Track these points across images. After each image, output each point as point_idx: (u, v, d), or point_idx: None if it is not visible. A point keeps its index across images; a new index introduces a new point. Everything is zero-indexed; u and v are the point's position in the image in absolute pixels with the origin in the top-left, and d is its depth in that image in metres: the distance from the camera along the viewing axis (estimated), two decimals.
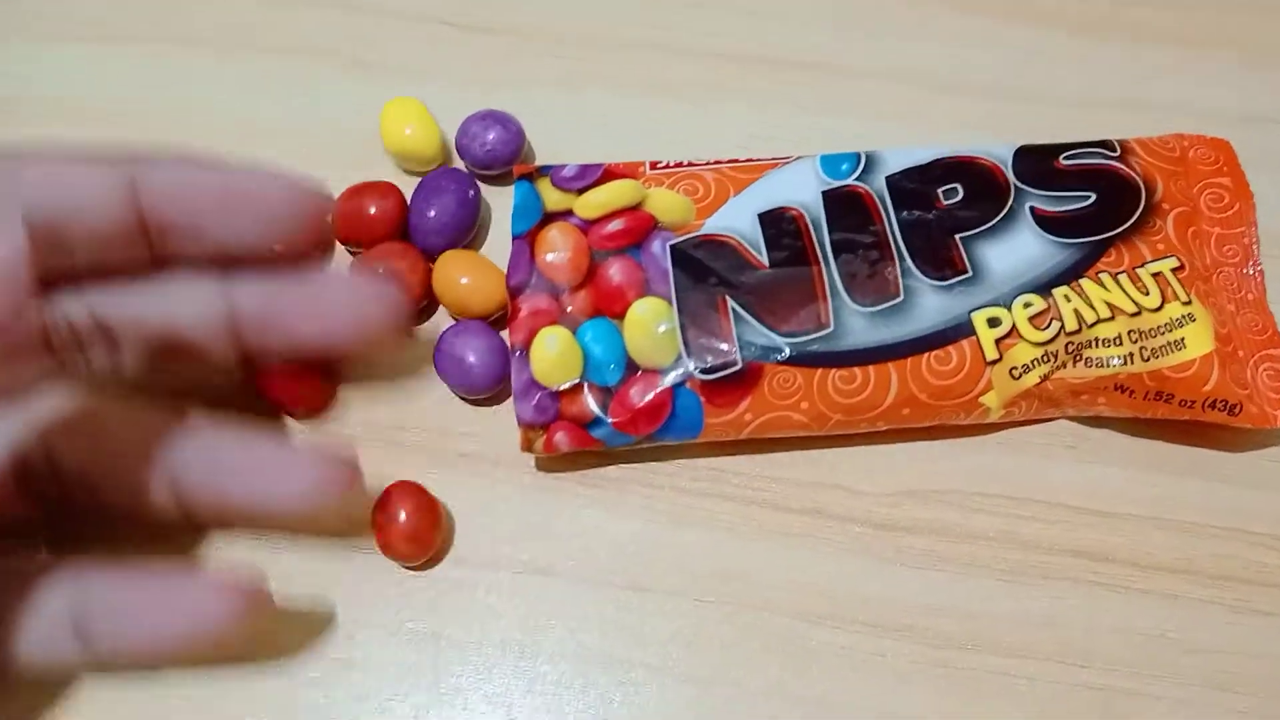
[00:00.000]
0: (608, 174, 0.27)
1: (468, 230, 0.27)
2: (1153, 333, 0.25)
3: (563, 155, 0.28)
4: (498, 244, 0.28)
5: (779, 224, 0.26)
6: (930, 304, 0.25)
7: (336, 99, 0.30)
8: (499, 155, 0.28)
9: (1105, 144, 0.27)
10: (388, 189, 0.27)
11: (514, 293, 0.25)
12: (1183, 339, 0.25)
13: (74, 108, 0.31)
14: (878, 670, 0.23)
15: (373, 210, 0.27)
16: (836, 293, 0.25)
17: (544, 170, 0.27)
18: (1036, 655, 0.24)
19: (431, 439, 0.26)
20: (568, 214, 0.26)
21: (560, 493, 0.25)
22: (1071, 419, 0.26)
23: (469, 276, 0.26)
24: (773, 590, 0.24)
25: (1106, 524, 0.25)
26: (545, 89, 0.31)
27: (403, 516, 0.24)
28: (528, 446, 0.24)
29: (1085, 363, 0.25)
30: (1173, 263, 0.25)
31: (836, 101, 0.31)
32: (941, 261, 0.25)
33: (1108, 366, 0.25)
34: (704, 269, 0.25)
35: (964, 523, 0.25)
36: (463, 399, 0.26)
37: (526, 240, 0.26)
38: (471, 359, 0.25)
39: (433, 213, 0.27)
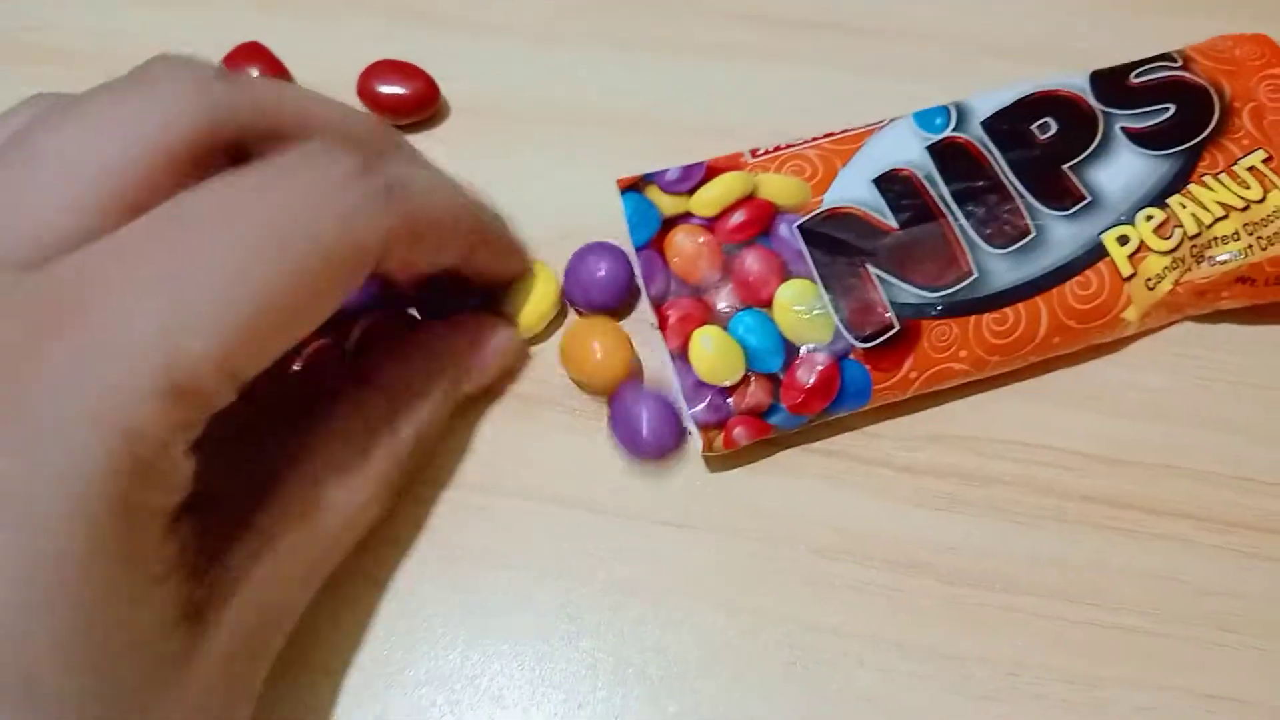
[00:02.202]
0: (711, 170, 0.27)
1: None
2: (1263, 222, 0.26)
3: (660, 125, 0.30)
4: None
5: (895, 186, 0.26)
6: (1061, 234, 0.26)
7: None
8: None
9: (1166, 56, 0.28)
10: None
11: (657, 302, 0.25)
12: None
13: None
14: (892, 603, 0.24)
15: None
16: (971, 240, 0.25)
17: (648, 178, 0.27)
18: (1048, 593, 0.24)
19: None
20: (686, 216, 0.26)
21: (601, 433, 0.26)
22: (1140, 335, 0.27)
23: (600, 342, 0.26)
24: (795, 526, 0.25)
25: (1121, 471, 0.25)
26: (653, 54, 0.32)
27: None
28: (709, 446, 0.25)
29: (1208, 262, 0.26)
30: (1261, 155, 0.27)
31: (908, 66, 0.32)
32: (1059, 192, 0.26)
33: (1230, 262, 0.26)
34: (837, 242, 0.26)
35: (982, 468, 0.25)
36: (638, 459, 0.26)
37: (653, 249, 0.26)
38: (643, 427, 0.25)
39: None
